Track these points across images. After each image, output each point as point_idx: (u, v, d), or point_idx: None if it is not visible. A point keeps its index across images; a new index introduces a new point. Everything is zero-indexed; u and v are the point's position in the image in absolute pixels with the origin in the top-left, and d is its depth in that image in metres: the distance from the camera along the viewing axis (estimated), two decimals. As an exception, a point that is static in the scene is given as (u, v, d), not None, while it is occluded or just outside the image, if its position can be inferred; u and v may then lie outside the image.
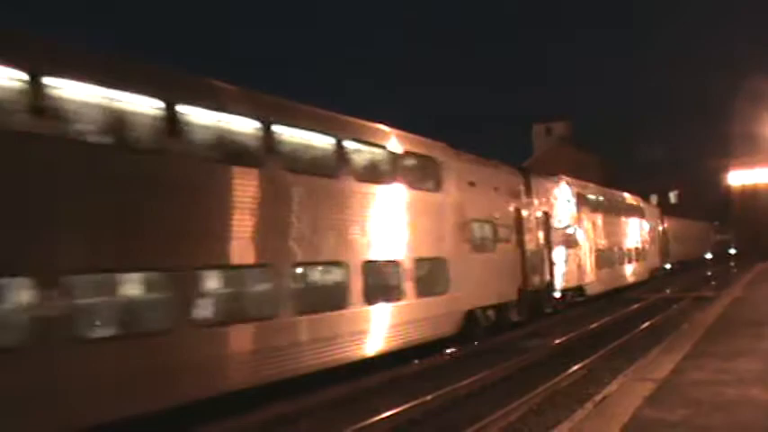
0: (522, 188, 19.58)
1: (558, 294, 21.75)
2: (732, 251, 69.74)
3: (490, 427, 8.88)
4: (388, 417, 9.48)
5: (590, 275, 25.15)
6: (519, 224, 19.03)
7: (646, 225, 35.86)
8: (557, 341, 16.33)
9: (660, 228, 40.10)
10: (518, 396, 10.32)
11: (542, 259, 20.56)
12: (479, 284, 16.23)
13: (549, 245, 21.14)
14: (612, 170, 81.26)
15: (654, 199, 78.33)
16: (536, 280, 19.89)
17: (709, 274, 40.52)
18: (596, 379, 11.63)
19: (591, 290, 25.09)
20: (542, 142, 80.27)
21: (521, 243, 18.99)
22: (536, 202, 20.38)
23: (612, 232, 28.79)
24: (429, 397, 10.43)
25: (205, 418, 8.96)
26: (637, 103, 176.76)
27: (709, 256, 60.25)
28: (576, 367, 12.57)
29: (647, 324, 18.88)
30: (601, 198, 28.49)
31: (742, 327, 13.06)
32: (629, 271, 31.57)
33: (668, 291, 30.86)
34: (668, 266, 41.89)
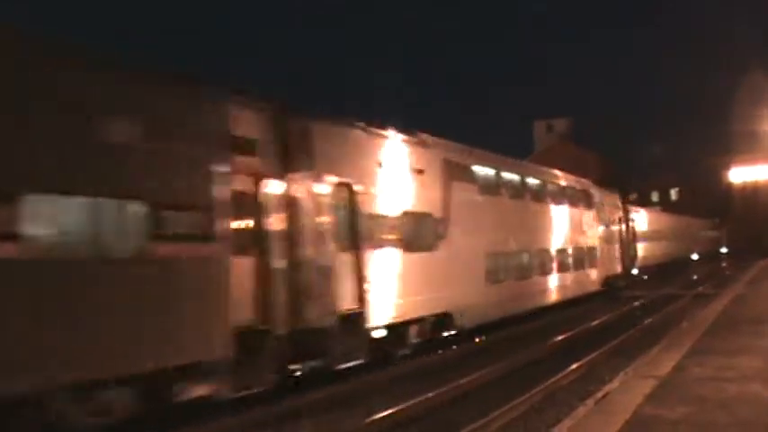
0: (263, 136, 10.34)
1: (379, 333, 12.43)
2: (724, 250, 65.10)
3: (491, 425, 8.88)
4: (389, 414, 9.47)
5: (468, 295, 15.55)
6: (244, 204, 9.83)
7: (596, 218, 26.29)
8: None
9: (623, 222, 30.77)
10: (519, 393, 10.31)
11: (333, 271, 11.08)
12: (50, 340, 7.05)
13: (356, 245, 11.82)
14: (613, 167, 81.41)
15: (655, 196, 78.65)
16: (312, 311, 10.64)
17: (695, 278, 37.59)
18: (597, 376, 11.64)
19: (471, 318, 15.59)
20: (543, 139, 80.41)
21: (257, 241, 10.05)
22: (314, 166, 11.06)
23: (529, 226, 19.91)
24: (430, 394, 10.43)
25: (205, 416, 8.95)
26: (638, 101, 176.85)
27: (695, 257, 52.68)
28: (576, 365, 12.56)
29: (647, 322, 18.88)
30: (503, 174, 18.85)
31: (743, 324, 13.04)
32: (562, 281, 21.95)
33: (668, 289, 30.81)
34: (635, 272, 32.57)
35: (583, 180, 26.84)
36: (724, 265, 49.20)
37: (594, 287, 25.59)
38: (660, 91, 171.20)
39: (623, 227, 30.61)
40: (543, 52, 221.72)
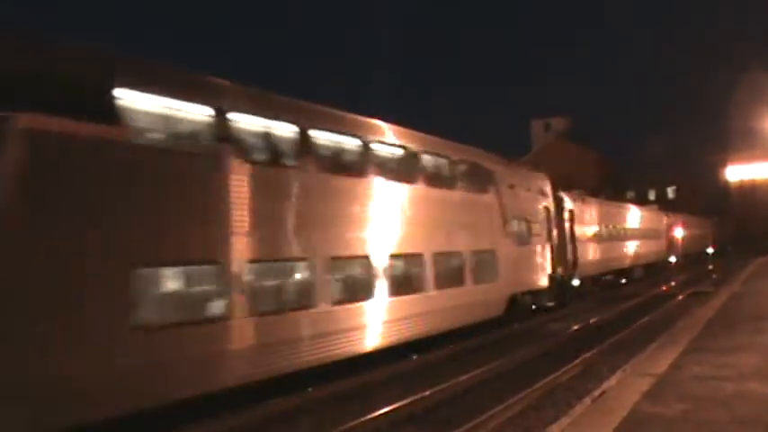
0: None
1: None
2: (710, 250, 58.11)
3: (489, 423, 8.88)
4: (387, 412, 9.47)
5: (53, 360, 7.29)
6: None
7: (497, 207, 17.51)
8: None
9: (554, 215, 22.06)
10: (517, 391, 10.31)
11: None
12: None
13: None
14: (612, 166, 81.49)
15: (652, 194, 78.64)
16: None
17: (673, 284, 31.67)
18: (595, 374, 11.64)
19: (52, 416, 7.17)
20: (541, 138, 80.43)
21: None
22: None
23: (311, 218, 11.31)
24: (428, 392, 10.44)
25: (205, 415, 8.95)
26: (638, 101, 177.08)
27: (673, 259, 44.17)
28: (574, 363, 12.56)
29: (645, 319, 18.88)
30: (235, 119, 10.22)
31: (741, 321, 13.04)
32: (404, 310, 13.35)
33: (667, 286, 30.84)
34: (576, 283, 24.24)
35: (474, 149, 17.40)
36: (710, 267, 44.46)
37: (492, 311, 16.83)
38: (660, 91, 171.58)
39: (554, 221, 21.93)
40: (543, 52, 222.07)
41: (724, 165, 75.44)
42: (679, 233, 47.51)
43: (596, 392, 8.50)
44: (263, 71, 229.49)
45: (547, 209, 21.31)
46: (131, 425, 8.00)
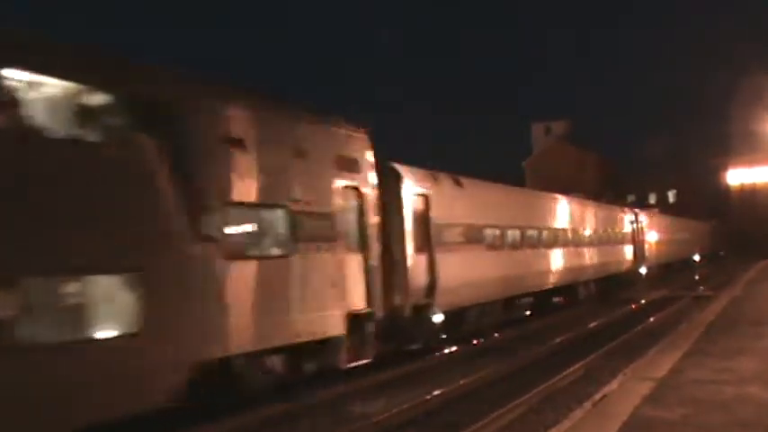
0: None
1: None
2: (696, 258, 51.45)
3: (489, 427, 8.87)
4: (387, 416, 9.46)
5: None
6: None
7: (168, 180, 7.86)
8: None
9: (378, 203, 12.33)
10: (518, 395, 10.30)
11: None
12: None
13: None
14: (612, 166, 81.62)
15: (653, 198, 78.66)
16: None
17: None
18: (595, 378, 11.63)
19: None
20: (542, 141, 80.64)
21: None
22: None
23: None
24: (428, 396, 10.42)
25: (204, 418, 8.95)
26: (637, 103, 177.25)
27: (644, 270, 34.20)
28: (574, 367, 12.55)
29: (646, 323, 18.86)
30: None
31: (741, 325, 13.05)
32: None
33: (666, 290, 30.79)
34: (438, 318, 14.39)
35: (103, 57, 8.32)
36: (697, 277, 39.61)
37: (116, 405, 7.33)
38: (660, 91, 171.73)
39: (380, 213, 12.52)
40: (543, 52, 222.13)
41: (725, 168, 75.60)
42: (653, 237, 37.67)
43: (597, 396, 8.49)
44: (263, 71, 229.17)
45: (357, 192, 11.81)
46: (131, 425, 8.00)
